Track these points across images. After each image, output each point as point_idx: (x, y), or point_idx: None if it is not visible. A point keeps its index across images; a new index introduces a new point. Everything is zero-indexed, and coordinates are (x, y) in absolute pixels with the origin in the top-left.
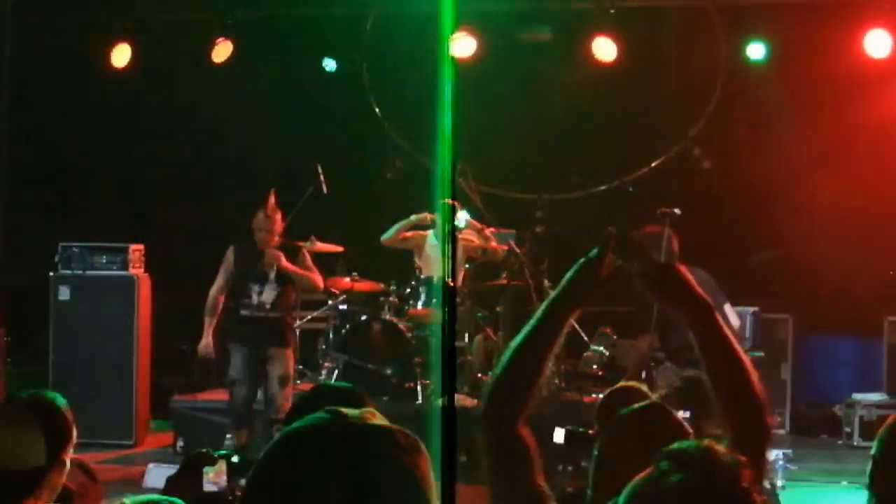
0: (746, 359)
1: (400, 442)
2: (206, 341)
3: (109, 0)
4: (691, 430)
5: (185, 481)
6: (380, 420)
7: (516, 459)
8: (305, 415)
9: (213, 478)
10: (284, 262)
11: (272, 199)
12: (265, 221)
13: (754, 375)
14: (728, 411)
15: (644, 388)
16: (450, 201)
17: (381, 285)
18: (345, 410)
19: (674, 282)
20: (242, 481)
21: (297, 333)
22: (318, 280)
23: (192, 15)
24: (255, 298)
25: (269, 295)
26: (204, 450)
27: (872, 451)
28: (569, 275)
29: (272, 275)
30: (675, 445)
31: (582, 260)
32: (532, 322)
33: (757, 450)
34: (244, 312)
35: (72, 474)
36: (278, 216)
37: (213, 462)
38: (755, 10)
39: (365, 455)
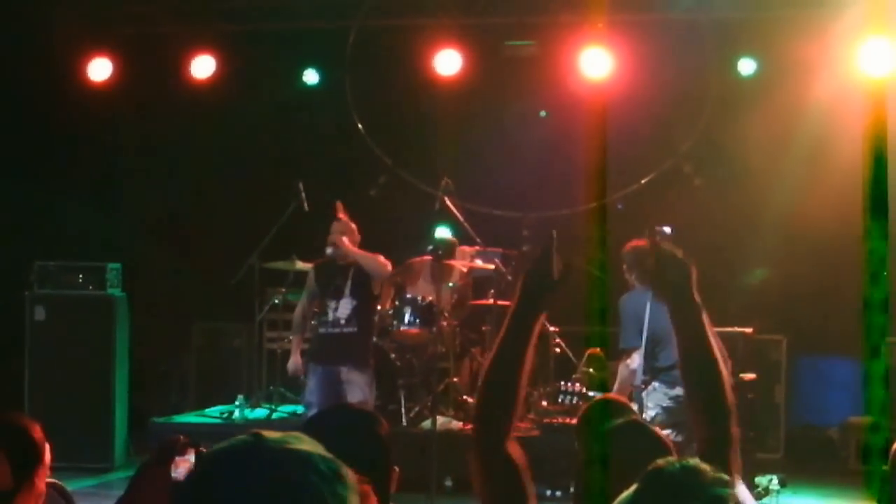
0: (723, 367)
1: (320, 469)
2: (294, 359)
3: (88, 14)
4: (671, 445)
5: (156, 469)
6: (305, 445)
7: (505, 479)
8: (319, 435)
9: (183, 467)
10: (346, 242)
11: (340, 208)
12: (335, 225)
13: (727, 384)
14: (697, 413)
15: (624, 400)
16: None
17: None
18: (266, 433)
19: (675, 273)
20: None
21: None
22: (384, 260)
23: (172, 29)
24: (331, 315)
25: (344, 310)
26: (177, 437)
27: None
28: (519, 283)
29: (347, 289)
30: (659, 463)
31: (529, 267)
32: (499, 339)
33: (722, 457)
34: (321, 330)
35: (48, 498)
36: (351, 224)
37: (183, 451)
38: (746, 26)
39: (281, 481)
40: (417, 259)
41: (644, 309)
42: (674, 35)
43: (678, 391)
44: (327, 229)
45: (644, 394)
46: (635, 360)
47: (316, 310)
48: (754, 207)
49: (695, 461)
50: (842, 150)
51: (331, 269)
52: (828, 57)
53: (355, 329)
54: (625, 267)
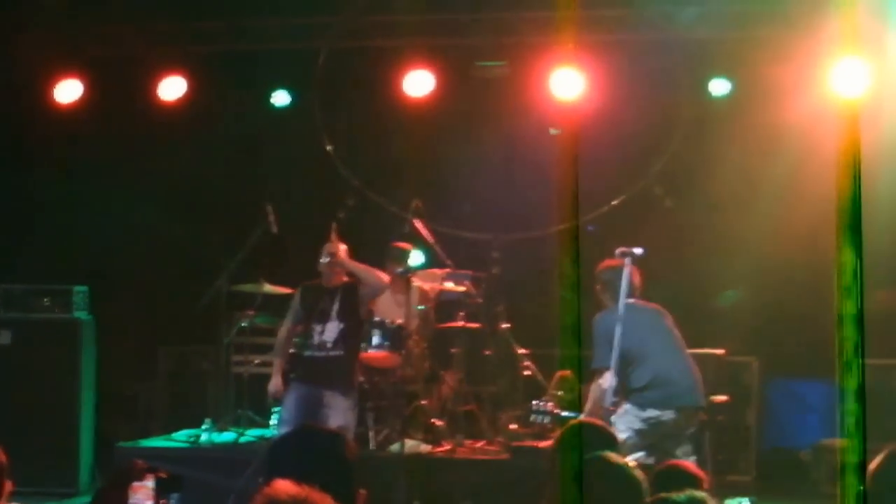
0: None
1: None
2: (275, 381)
3: (57, 35)
4: (641, 482)
5: (112, 494)
6: None
7: None
8: (285, 456)
9: (141, 493)
10: (344, 255)
11: (335, 229)
12: (328, 246)
13: None
14: None
15: (602, 424)
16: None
17: None
18: None
19: None
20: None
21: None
22: (382, 274)
23: (142, 50)
24: (316, 338)
25: (330, 333)
26: (135, 462)
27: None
28: None
29: (334, 312)
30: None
31: None
32: None
33: None
34: (306, 353)
35: None
36: (342, 246)
37: (140, 476)
38: (719, 47)
39: None
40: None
41: (616, 329)
42: (645, 55)
43: (650, 413)
44: (296, 251)
45: (614, 416)
46: (607, 380)
47: (299, 332)
48: (726, 229)
49: (701, 494)
50: (815, 170)
51: (318, 291)
52: (801, 77)
53: (342, 352)
54: (598, 287)
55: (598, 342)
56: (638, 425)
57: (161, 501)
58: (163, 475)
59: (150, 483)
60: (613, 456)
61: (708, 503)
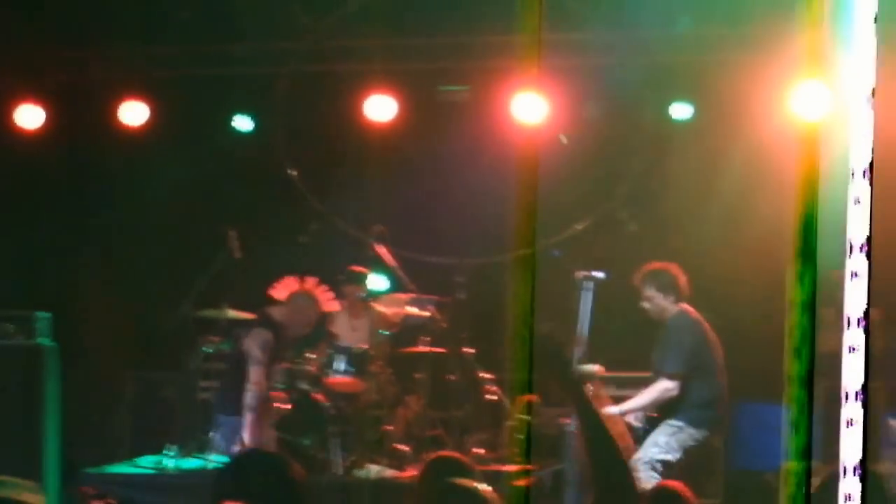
0: (619, 441)
1: None
2: None
3: (18, 61)
4: None
5: None
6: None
7: None
8: (235, 480)
9: None
10: None
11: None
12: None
13: (624, 458)
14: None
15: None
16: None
17: (297, 353)
18: None
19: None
20: None
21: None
22: None
23: (104, 76)
24: None
25: None
26: (86, 489)
27: None
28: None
29: None
30: None
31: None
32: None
33: None
34: None
35: None
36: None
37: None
38: (681, 70)
39: None
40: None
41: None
42: (608, 80)
43: (703, 433)
44: (259, 276)
45: (661, 432)
46: (674, 387)
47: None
48: (689, 252)
49: None
50: (776, 193)
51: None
52: (762, 100)
53: None
54: (651, 291)
55: (670, 345)
56: (690, 444)
57: None
58: (111, 502)
59: None
60: (466, 482)
61: None
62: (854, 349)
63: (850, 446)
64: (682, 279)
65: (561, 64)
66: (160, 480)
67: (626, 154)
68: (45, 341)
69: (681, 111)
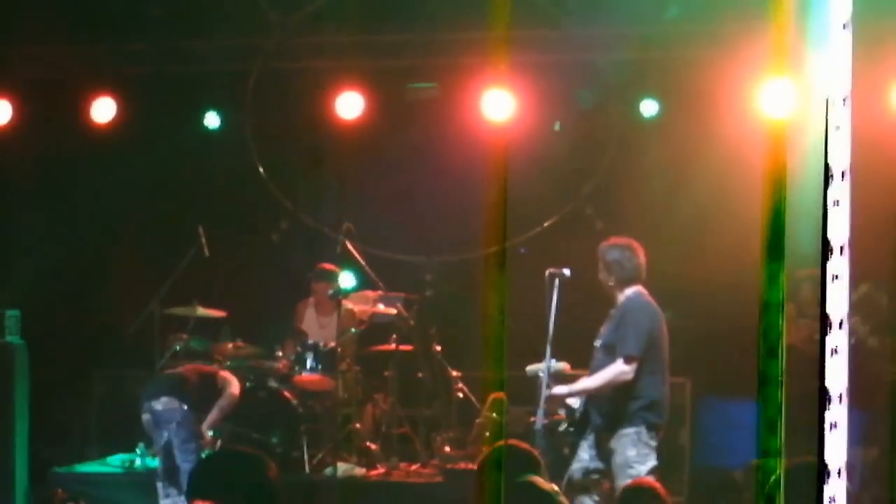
0: None
1: None
2: None
3: None
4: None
5: None
6: None
7: None
8: (210, 479)
9: None
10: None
11: None
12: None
13: None
14: None
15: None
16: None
17: (265, 351)
18: None
19: None
20: None
21: None
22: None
23: (72, 72)
24: None
25: None
26: (55, 492)
27: None
28: None
29: None
30: None
31: None
32: None
33: None
34: None
35: None
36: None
37: None
38: (648, 67)
39: None
40: (301, 301)
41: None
42: (576, 77)
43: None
44: (228, 274)
45: (622, 443)
46: (630, 371)
47: None
48: (657, 249)
49: None
50: (743, 191)
51: None
52: (729, 97)
53: None
54: (605, 266)
55: (627, 326)
56: (654, 443)
57: None
58: None
59: None
60: (542, 481)
61: None
62: (836, 351)
63: (834, 448)
64: (642, 257)
65: (530, 61)
66: (130, 479)
67: (594, 151)
68: (14, 339)
69: (649, 108)
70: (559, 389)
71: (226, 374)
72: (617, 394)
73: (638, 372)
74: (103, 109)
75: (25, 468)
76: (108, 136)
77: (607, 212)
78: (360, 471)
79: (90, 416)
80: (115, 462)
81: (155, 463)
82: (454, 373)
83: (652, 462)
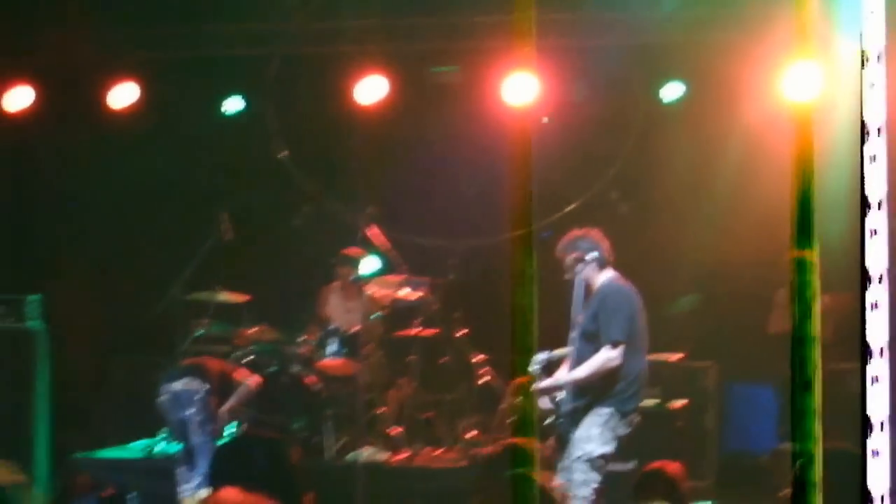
0: None
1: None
2: None
3: (5, 42)
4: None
5: None
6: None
7: None
8: (232, 463)
9: None
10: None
11: None
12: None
13: None
14: None
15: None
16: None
17: (289, 336)
18: None
19: None
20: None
21: None
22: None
23: (92, 57)
24: None
25: None
26: (81, 478)
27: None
28: None
29: None
30: None
31: None
32: None
33: None
34: None
35: None
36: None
37: (84, 493)
38: (672, 50)
39: None
40: (326, 286)
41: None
42: (600, 60)
43: (632, 417)
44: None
45: (590, 422)
46: (617, 356)
47: None
48: (681, 233)
49: None
50: (769, 174)
51: None
52: (754, 81)
53: None
54: (574, 256)
55: (609, 312)
56: (621, 430)
57: None
58: (109, 492)
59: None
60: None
61: None
62: (877, 380)
63: (877, 402)
64: (606, 244)
65: (553, 44)
66: (150, 465)
67: (618, 135)
68: (34, 324)
69: (673, 91)
70: (547, 382)
71: (243, 371)
72: (598, 377)
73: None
74: (124, 94)
75: (46, 453)
76: (130, 120)
77: (631, 195)
78: (383, 456)
79: (111, 402)
80: (136, 448)
81: (176, 448)
82: (478, 357)
83: (608, 448)
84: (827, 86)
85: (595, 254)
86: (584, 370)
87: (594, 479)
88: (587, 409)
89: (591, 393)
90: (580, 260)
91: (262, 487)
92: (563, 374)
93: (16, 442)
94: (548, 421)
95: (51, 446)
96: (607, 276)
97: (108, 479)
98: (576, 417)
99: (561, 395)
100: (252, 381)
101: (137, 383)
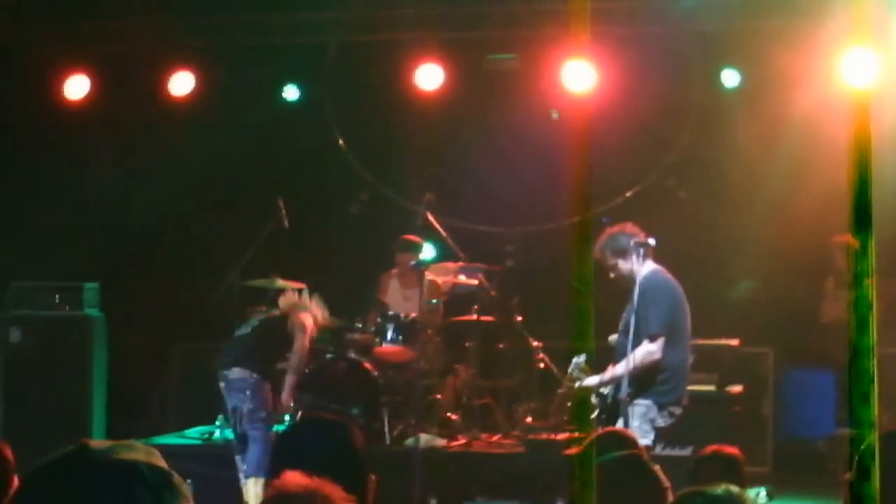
0: None
1: (146, 478)
2: None
3: (65, 31)
4: (667, 483)
5: None
6: (133, 454)
7: None
8: (294, 448)
9: None
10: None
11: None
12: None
13: None
14: None
15: (629, 432)
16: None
17: (347, 323)
18: (94, 443)
19: None
20: None
21: None
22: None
23: (151, 46)
24: None
25: None
26: None
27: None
28: None
29: None
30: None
31: None
32: None
33: None
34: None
35: None
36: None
37: None
38: (729, 38)
39: (105, 492)
40: (385, 273)
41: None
42: (657, 47)
43: (673, 409)
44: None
45: (633, 413)
46: (658, 349)
47: None
48: (739, 219)
49: (736, 490)
50: (825, 161)
51: None
52: (811, 67)
53: None
54: (612, 254)
55: (648, 305)
56: (660, 422)
57: None
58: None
59: None
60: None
61: (744, 498)
62: None
63: None
64: (642, 236)
65: (611, 32)
66: (208, 451)
67: (676, 122)
68: (92, 312)
69: (730, 79)
70: (591, 380)
71: (299, 317)
72: (638, 369)
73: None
74: (182, 83)
75: (104, 440)
76: (187, 109)
77: (689, 182)
78: (441, 441)
79: (169, 389)
80: (193, 434)
81: (232, 435)
82: (535, 343)
83: (647, 441)
84: (884, 72)
85: (639, 245)
86: (623, 367)
87: None
88: (627, 402)
89: (631, 386)
90: (619, 256)
91: (326, 472)
92: (607, 372)
93: (74, 428)
94: (592, 415)
95: (108, 433)
96: (648, 268)
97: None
98: (616, 411)
99: (604, 388)
100: (305, 336)
101: (195, 370)
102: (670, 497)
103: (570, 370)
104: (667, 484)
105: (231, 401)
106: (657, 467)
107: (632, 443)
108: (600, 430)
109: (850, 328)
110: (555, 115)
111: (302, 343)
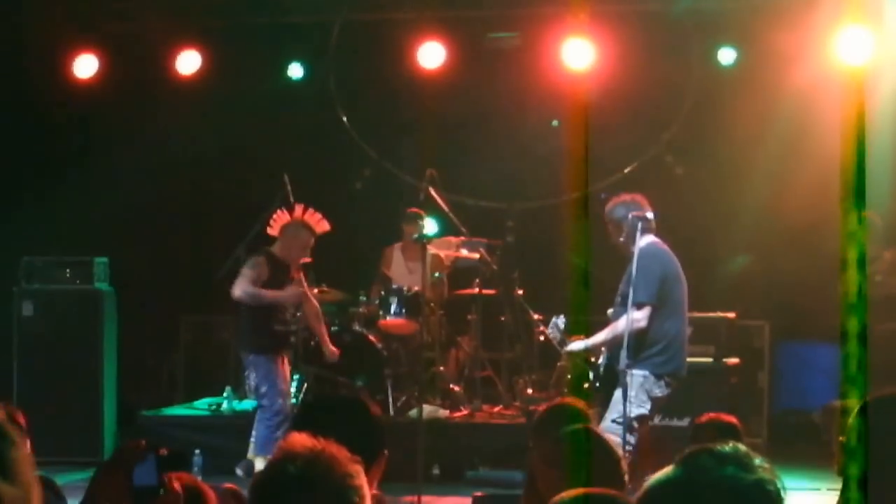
0: None
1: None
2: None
3: (73, 11)
4: (621, 455)
5: (113, 475)
6: None
7: None
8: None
9: (143, 471)
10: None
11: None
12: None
13: None
14: None
15: (582, 405)
16: (415, 210)
17: (351, 296)
18: None
19: None
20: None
21: None
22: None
23: (157, 25)
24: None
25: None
26: (137, 442)
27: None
28: None
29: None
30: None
31: None
32: None
33: None
34: (279, 328)
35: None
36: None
37: (142, 457)
38: (726, 15)
39: None
40: (388, 247)
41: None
42: (655, 25)
43: (668, 380)
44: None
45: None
46: (643, 317)
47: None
48: (736, 195)
49: (743, 448)
50: (821, 137)
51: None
52: (807, 45)
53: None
54: (613, 225)
55: (638, 274)
56: (657, 392)
57: (162, 478)
58: (163, 452)
59: (152, 461)
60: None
61: (751, 456)
62: None
63: None
64: (649, 210)
65: (609, 10)
66: (216, 422)
67: (673, 99)
68: (102, 286)
69: (727, 56)
70: (575, 345)
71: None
72: (631, 339)
73: (652, 318)
74: (188, 61)
75: (114, 412)
76: (193, 87)
77: (687, 158)
78: (443, 413)
79: (177, 362)
80: (202, 406)
81: (241, 406)
82: (536, 316)
83: (643, 410)
84: (878, 49)
85: (637, 218)
86: (608, 332)
87: (629, 440)
88: (623, 372)
89: (629, 356)
90: (623, 223)
91: (346, 442)
92: (592, 338)
93: (85, 400)
94: (586, 385)
95: (119, 405)
96: (646, 240)
97: (171, 437)
98: (612, 380)
99: (600, 358)
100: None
101: (203, 343)
102: (624, 466)
103: (548, 330)
104: (619, 455)
105: (248, 380)
106: (608, 437)
107: (584, 416)
108: (550, 404)
109: (843, 300)
110: (555, 124)
111: (312, 306)
